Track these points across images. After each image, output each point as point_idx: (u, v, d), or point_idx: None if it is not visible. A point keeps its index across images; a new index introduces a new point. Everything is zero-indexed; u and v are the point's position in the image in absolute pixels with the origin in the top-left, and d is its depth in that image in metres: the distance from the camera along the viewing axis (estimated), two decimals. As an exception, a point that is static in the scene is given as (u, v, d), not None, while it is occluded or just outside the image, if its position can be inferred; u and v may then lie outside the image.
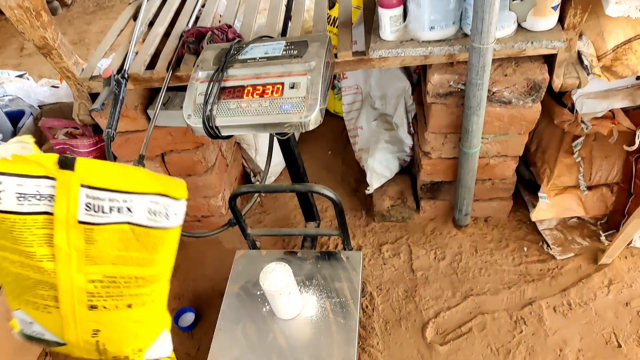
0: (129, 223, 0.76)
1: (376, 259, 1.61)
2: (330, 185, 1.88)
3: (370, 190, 1.66)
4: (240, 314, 1.34)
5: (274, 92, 1.11)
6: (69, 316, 0.79)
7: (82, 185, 0.72)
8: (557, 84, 1.27)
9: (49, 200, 0.71)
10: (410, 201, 1.67)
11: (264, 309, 1.34)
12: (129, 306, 0.81)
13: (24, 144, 0.70)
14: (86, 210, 0.74)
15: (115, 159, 1.61)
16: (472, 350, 1.36)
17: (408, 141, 1.70)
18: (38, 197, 0.71)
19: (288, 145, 1.34)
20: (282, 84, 1.12)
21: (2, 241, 0.70)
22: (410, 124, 1.69)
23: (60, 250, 0.73)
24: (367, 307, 1.50)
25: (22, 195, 0.69)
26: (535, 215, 1.58)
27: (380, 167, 1.68)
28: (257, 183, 1.88)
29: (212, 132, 1.14)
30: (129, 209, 0.74)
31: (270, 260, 1.45)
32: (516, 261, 1.55)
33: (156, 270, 0.83)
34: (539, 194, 1.55)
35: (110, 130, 1.24)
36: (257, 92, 1.13)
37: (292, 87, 1.11)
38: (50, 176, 0.70)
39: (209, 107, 1.13)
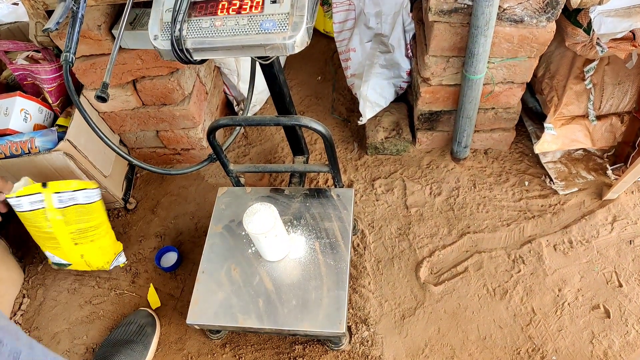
0: (77, 204, 1.30)
1: (368, 195, 1.52)
2: (320, 115, 1.75)
3: (363, 120, 1.54)
4: (224, 255, 1.26)
5: (253, 8, 0.95)
6: (67, 250, 1.36)
7: (54, 192, 1.26)
8: (577, -1, 1.12)
9: (42, 202, 1.26)
10: (406, 132, 1.55)
11: (249, 250, 1.25)
12: (92, 241, 1.37)
13: (27, 180, 1.27)
14: (58, 202, 1.27)
15: (78, 87, 1.45)
16: (468, 291, 1.31)
17: (405, 65, 1.54)
18: (37, 202, 1.26)
19: (272, 71, 1.19)
20: (263, -2, 0.96)
21: (28, 222, 1.31)
22: (408, 46, 1.53)
23: (53, 222, 1.29)
24: (358, 245, 1.42)
25: (30, 202, 1.26)
26: (539, 147, 1.47)
27: (374, 95, 1.54)
28: (240, 113, 1.74)
29: (183, 56, 0.98)
30: (74, 198, 1.29)
31: (255, 199, 1.35)
32: (516, 196, 1.46)
33: (97, 221, 1.36)
34: (545, 124, 1.43)
35: (68, 54, 1.06)
36: (234, 7, 0.96)
37: (274, 2, 0.95)
38: (40, 192, 1.25)
39: (177, 27, 0.97)
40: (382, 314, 1.30)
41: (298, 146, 1.46)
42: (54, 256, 1.39)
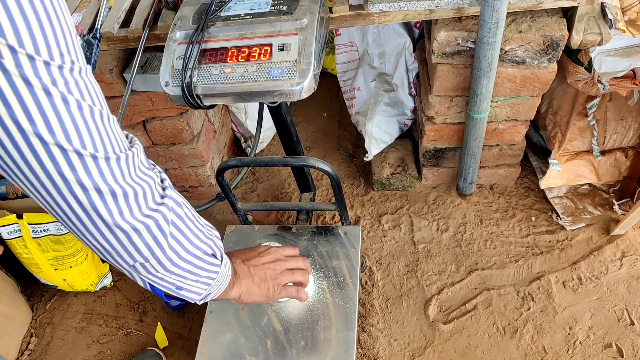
0: (50, 234, 1.37)
1: (375, 231, 1.52)
2: (326, 151, 1.77)
3: (368, 157, 1.55)
4: (231, 294, 1.26)
5: (261, 55, 0.98)
6: (48, 274, 1.45)
7: (29, 224, 1.33)
8: (577, 40, 1.14)
9: (18, 232, 1.34)
10: (411, 169, 1.56)
11: (257, 289, 1.25)
12: (71, 267, 1.45)
13: (3, 212, 1.35)
14: (32, 232, 1.35)
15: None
16: (478, 329, 1.30)
17: (409, 103, 1.57)
18: (14, 232, 1.34)
19: (279, 113, 1.22)
20: (270, 45, 0.99)
21: (11, 249, 1.40)
22: (412, 85, 1.55)
23: (31, 249, 1.37)
24: (366, 283, 1.42)
25: (8, 232, 1.34)
26: (544, 182, 1.48)
27: (379, 132, 1.57)
28: (248, 150, 1.76)
29: (194, 102, 1.01)
30: (47, 229, 1.36)
31: (263, 237, 1.36)
32: (523, 232, 1.46)
33: (71, 250, 1.42)
34: (550, 160, 1.44)
35: (80, 99, 1.10)
36: (243, 55, 0.99)
37: (282, 49, 0.98)
38: (15, 222, 1.33)
39: (188, 73, 1.00)
40: (392, 354, 1.29)
41: (305, 183, 1.48)
42: (40, 278, 1.50)
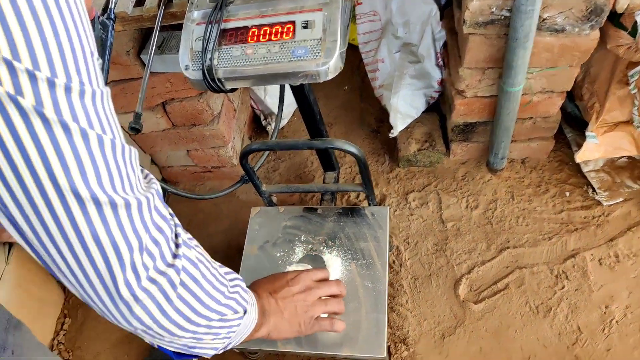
0: None
1: (402, 210, 1.49)
2: (349, 127, 1.72)
3: (394, 133, 1.50)
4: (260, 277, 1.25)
5: (284, 34, 0.93)
6: None
7: None
8: (623, 4, 1.06)
9: None
10: (439, 144, 1.51)
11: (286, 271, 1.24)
12: None
13: None
14: None
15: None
16: (510, 308, 1.27)
17: (436, 75, 1.50)
18: None
19: (302, 92, 1.18)
20: (293, 23, 0.93)
21: None
22: (439, 55, 1.48)
23: None
24: (394, 262, 1.39)
25: None
26: (580, 156, 1.41)
27: (404, 107, 1.51)
28: (268, 127, 1.72)
29: (215, 86, 0.97)
30: None
31: (288, 218, 1.33)
32: (557, 208, 1.41)
33: None
34: (587, 133, 1.37)
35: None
36: (264, 34, 0.94)
37: (305, 27, 0.93)
38: None
39: (208, 56, 0.96)
40: (422, 333, 1.28)
41: (329, 162, 1.44)
42: None
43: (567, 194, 1.43)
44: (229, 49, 0.96)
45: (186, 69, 0.98)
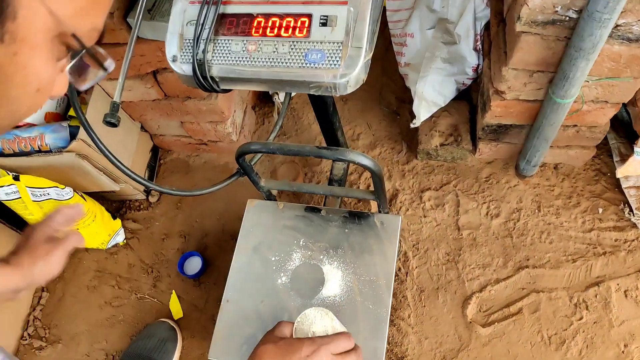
0: (51, 199, 1.23)
1: (415, 209, 1.35)
2: (365, 104, 1.54)
3: (416, 123, 1.32)
4: (252, 284, 1.13)
5: (297, 30, 0.75)
6: None
7: (27, 187, 1.19)
8: None
9: (17, 193, 1.19)
10: (465, 140, 1.33)
11: (279, 281, 1.12)
12: (78, 229, 1.30)
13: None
14: (32, 196, 1.21)
15: (67, 108, 1.29)
16: (520, 336, 1.16)
17: (472, 60, 1.30)
18: (12, 193, 1.19)
19: (320, 99, 1.00)
20: (310, 17, 0.74)
21: (12, 209, 1.26)
22: (478, 37, 1.27)
23: (33, 211, 1.24)
24: (400, 270, 1.28)
25: (6, 194, 1.19)
26: (622, 171, 1.25)
27: (432, 94, 1.32)
28: (275, 97, 1.53)
29: (207, 85, 0.80)
30: (48, 194, 1.22)
31: (287, 217, 1.20)
32: (587, 226, 1.27)
33: None
34: (635, 148, 1.20)
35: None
36: (272, 27, 0.76)
37: (325, 24, 0.74)
38: (12, 184, 1.18)
39: (201, 47, 0.78)
40: (421, 353, 1.18)
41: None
42: None
43: (600, 210, 1.28)
44: (228, 41, 0.77)
45: (173, 60, 0.80)
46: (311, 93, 0.76)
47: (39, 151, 1.21)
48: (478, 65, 1.31)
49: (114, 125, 0.87)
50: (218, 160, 1.52)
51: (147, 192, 1.48)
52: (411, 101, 1.39)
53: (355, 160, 0.91)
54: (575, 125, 1.19)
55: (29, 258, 0.69)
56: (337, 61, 0.72)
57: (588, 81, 1.02)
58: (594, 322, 1.16)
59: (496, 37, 1.14)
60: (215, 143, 1.45)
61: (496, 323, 1.19)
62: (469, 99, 1.40)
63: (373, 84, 1.57)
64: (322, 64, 0.73)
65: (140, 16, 0.90)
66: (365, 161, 0.91)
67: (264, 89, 0.92)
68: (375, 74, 1.59)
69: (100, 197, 1.45)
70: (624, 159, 1.30)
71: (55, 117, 1.30)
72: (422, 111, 1.33)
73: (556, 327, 1.17)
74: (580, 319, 1.17)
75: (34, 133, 1.21)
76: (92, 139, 0.92)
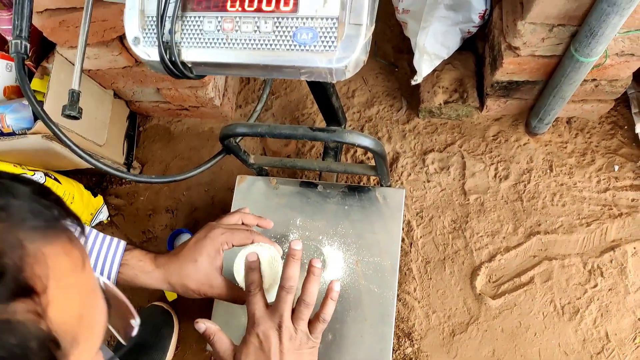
0: None
1: (417, 174, 1.25)
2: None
3: (417, 80, 1.20)
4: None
5: (281, 3, 0.61)
6: None
7: None
8: None
9: None
10: (471, 97, 1.21)
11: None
12: None
13: None
14: None
15: (29, 77, 1.13)
16: (531, 307, 1.12)
17: (478, 5, 1.15)
18: None
19: (318, 84, 0.87)
20: (296, -15, 0.61)
21: None
22: (486, -21, 1.12)
23: None
24: (403, 240, 1.20)
25: None
26: (642, 125, 1.15)
27: (434, 46, 1.18)
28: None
29: (179, 72, 0.67)
30: None
31: (282, 193, 1.10)
32: (602, 185, 1.18)
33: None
34: (659, 101, 1.09)
35: (19, 41, 0.75)
36: (251, 0, 0.62)
37: (315, -6, 0.60)
38: None
39: (167, 27, 0.65)
40: (429, 328, 1.14)
41: (333, 117, 1.16)
42: None
43: (616, 167, 1.19)
44: (199, 19, 0.64)
45: (135, 43, 0.67)
46: (302, 79, 0.64)
47: (1, 134, 1.09)
48: (485, 10, 1.16)
49: (75, 118, 0.75)
50: (202, 126, 1.40)
51: (128, 164, 1.37)
52: (410, 51, 1.26)
53: (355, 142, 0.81)
54: (595, 80, 1.07)
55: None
56: (333, 41, 0.60)
57: (617, 34, 0.90)
58: (609, 289, 1.11)
59: (510, -17, 0.99)
60: (197, 108, 1.32)
61: (506, 294, 1.13)
62: (474, 48, 1.26)
63: (368, 32, 1.41)
64: (314, 46, 0.60)
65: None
66: (366, 142, 0.81)
67: (247, 75, 0.80)
68: (369, 20, 1.44)
69: (79, 172, 1.34)
70: (643, 111, 1.19)
71: (16, 92, 1.17)
72: (424, 66, 1.20)
73: (569, 296, 1.12)
74: (595, 286, 1.12)
75: (-8, 114, 1.08)
76: (51, 129, 0.79)
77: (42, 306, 0.30)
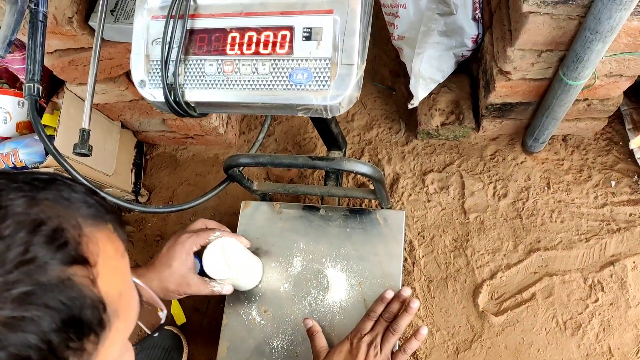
0: None
1: (418, 194, 1.28)
2: (358, 82, 1.43)
3: (414, 103, 1.23)
4: (253, 294, 1.09)
5: (277, 46, 0.65)
6: None
7: None
8: None
9: None
10: (468, 118, 1.25)
11: (282, 288, 1.08)
12: None
13: None
14: None
15: (40, 113, 1.18)
16: (534, 323, 1.13)
17: (471, 31, 1.19)
18: None
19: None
20: (291, 29, 0.65)
21: None
22: (477, 5, 1.16)
23: None
24: (406, 260, 1.23)
25: None
26: (636, 141, 1.17)
27: (429, 70, 1.22)
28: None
29: (183, 111, 0.71)
30: None
31: (286, 218, 1.14)
32: (599, 201, 1.21)
33: None
34: (652, 118, 1.12)
35: (32, 84, 0.79)
36: (249, 43, 0.66)
37: (309, 37, 0.65)
38: None
39: (171, 70, 0.69)
40: (434, 346, 1.16)
41: (333, 142, 1.20)
42: None
43: (613, 183, 1.22)
44: (201, 62, 0.68)
45: (142, 86, 0.71)
46: (300, 115, 0.68)
47: (15, 168, 1.13)
48: (478, 35, 1.20)
49: (86, 155, 0.79)
50: (207, 153, 1.44)
51: (136, 192, 1.41)
52: (406, 74, 1.29)
53: (353, 170, 0.84)
54: (587, 99, 1.10)
55: None
56: (326, 81, 0.64)
57: (603, 57, 0.93)
58: (610, 304, 1.13)
59: (498, 9, 1.03)
60: (202, 136, 1.36)
61: (509, 311, 1.15)
62: (469, 71, 1.30)
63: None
64: (309, 85, 0.64)
65: (104, 18, 0.80)
66: (364, 169, 0.84)
67: (248, 113, 0.84)
68: (367, 46, 1.48)
69: (88, 200, 1.38)
70: (636, 126, 1.22)
71: (28, 127, 1.21)
72: (420, 90, 1.23)
73: (571, 311, 1.13)
74: (596, 301, 1.13)
75: (6, 149, 1.12)
76: (62, 165, 0.83)
77: (93, 275, 0.38)
